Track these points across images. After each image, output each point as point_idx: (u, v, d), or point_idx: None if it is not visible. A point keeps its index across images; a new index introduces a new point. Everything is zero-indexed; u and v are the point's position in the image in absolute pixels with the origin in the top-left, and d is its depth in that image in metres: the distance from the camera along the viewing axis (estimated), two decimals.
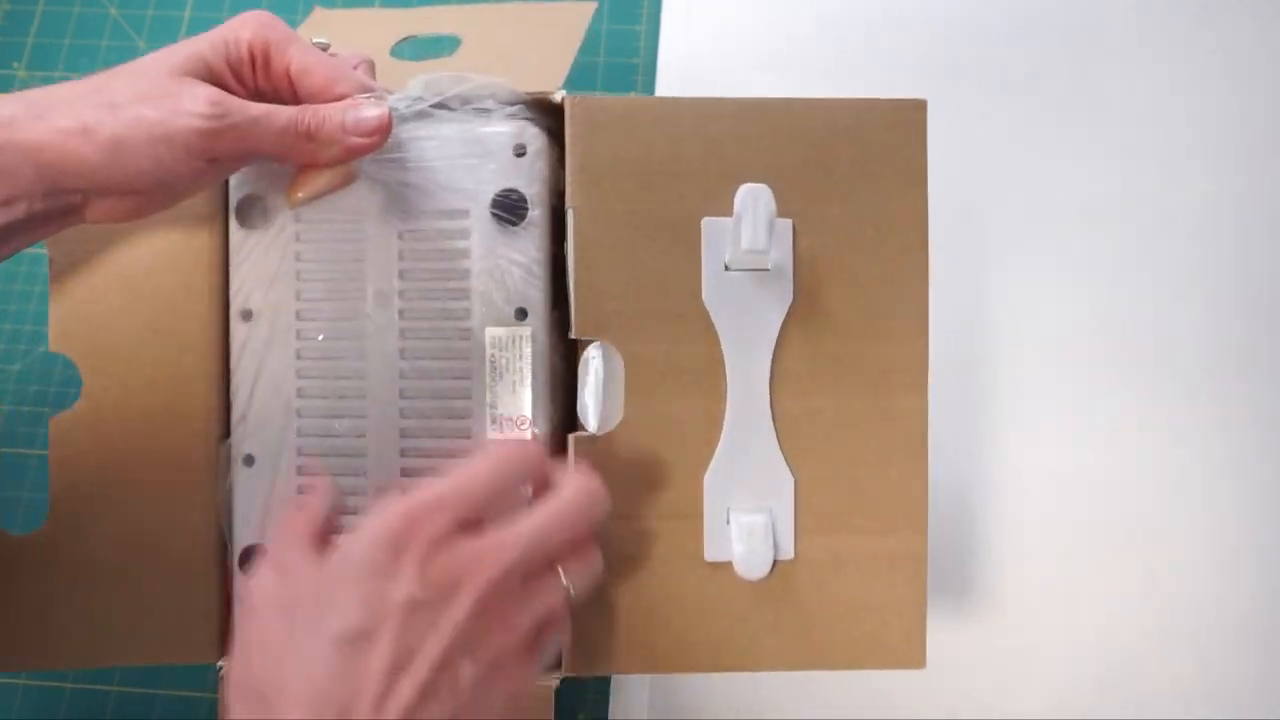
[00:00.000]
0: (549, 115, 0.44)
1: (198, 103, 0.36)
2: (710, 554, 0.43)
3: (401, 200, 0.42)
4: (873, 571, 0.43)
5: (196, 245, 0.44)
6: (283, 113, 0.38)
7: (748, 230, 0.40)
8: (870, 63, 0.61)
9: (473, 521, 0.35)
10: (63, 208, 0.37)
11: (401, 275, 0.43)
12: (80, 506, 0.44)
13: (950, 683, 0.53)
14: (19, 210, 0.36)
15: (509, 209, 0.42)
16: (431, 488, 0.35)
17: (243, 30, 0.38)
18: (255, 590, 0.35)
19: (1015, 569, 0.54)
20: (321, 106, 0.39)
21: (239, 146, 0.37)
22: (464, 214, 0.42)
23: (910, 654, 0.44)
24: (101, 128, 0.35)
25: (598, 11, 0.68)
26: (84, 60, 0.65)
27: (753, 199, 0.40)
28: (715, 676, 0.53)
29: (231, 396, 0.44)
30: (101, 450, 0.44)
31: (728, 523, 0.43)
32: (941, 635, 0.52)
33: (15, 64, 0.66)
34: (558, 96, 0.42)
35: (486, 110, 0.43)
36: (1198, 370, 0.56)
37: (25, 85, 0.65)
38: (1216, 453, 0.55)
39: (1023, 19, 0.61)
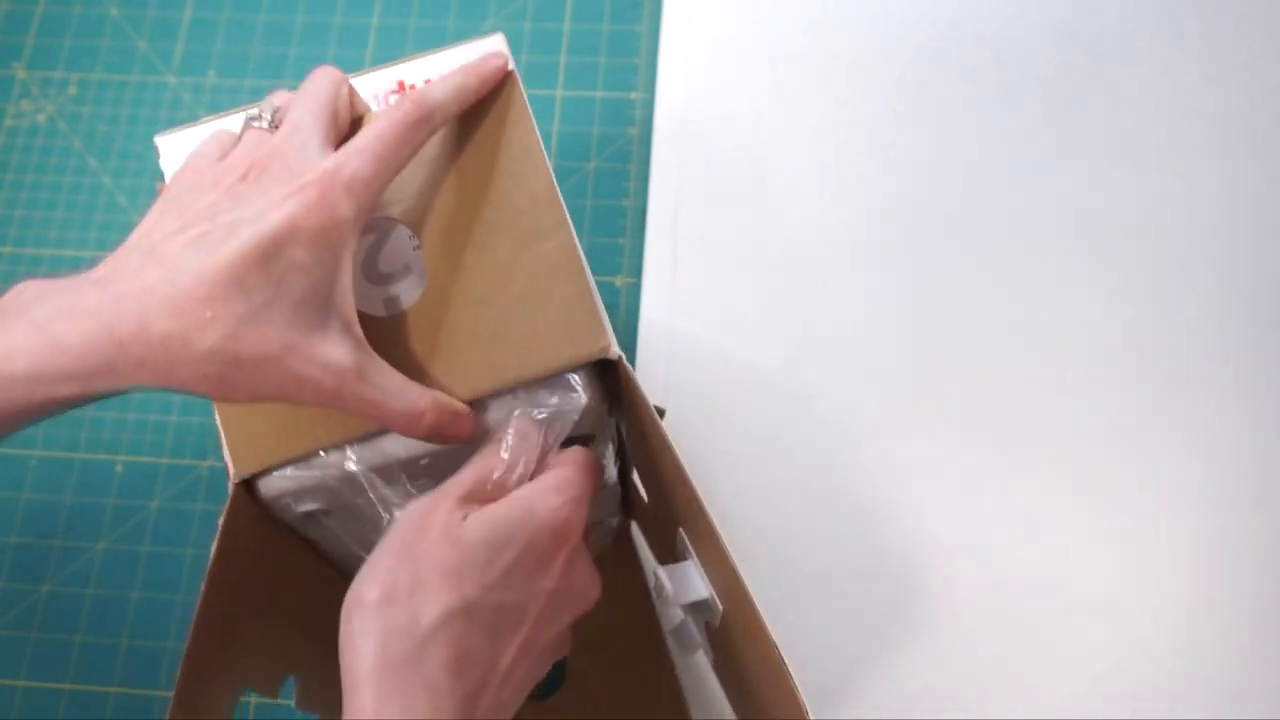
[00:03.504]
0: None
1: (338, 355, 0.33)
2: None
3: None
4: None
5: None
6: (412, 391, 0.34)
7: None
8: (870, 63, 0.61)
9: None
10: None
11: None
12: None
13: (942, 690, 0.53)
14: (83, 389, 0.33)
15: None
16: (574, 487, 0.36)
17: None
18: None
19: (1011, 569, 0.54)
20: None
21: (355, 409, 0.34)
22: None
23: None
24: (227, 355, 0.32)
25: (598, 11, 0.66)
26: (84, 60, 0.65)
27: None
28: None
29: None
30: None
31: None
32: (939, 649, 0.53)
33: (15, 64, 0.65)
34: (612, 354, 0.37)
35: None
36: (1197, 370, 0.56)
37: (25, 85, 0.65)
38: (1216, 452, 0.55)
39: (1023, 20, 0.60)
